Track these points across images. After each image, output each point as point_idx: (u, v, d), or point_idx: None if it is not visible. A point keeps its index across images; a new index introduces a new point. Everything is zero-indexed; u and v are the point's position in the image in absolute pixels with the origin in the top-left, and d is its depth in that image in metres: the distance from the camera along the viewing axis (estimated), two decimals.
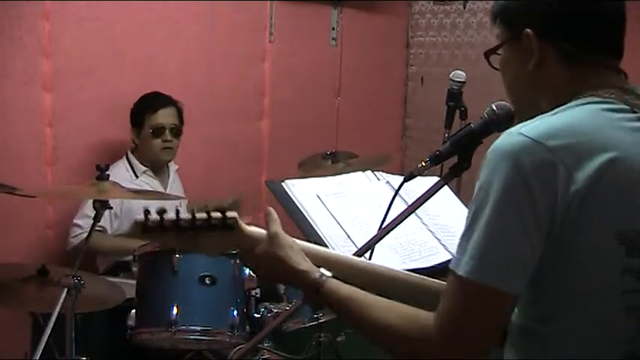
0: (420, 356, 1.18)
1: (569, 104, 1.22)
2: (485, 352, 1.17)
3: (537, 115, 1.30)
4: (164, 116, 3.26)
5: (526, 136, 1.13)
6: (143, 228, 1.23)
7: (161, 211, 1.23)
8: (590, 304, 1.14)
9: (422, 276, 1.43)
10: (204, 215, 1.25)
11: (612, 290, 1.14)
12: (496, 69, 1.36)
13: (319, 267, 1.34)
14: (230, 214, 1.27)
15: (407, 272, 1.45)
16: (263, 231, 1.35)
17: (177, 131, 3.30)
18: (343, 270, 1.38)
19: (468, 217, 1.17)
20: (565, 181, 1.10)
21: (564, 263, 1.13)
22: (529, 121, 1.19)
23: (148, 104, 3.27)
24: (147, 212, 1.23)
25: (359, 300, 1.27)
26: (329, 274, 1.31)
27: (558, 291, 1.15)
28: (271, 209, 1.38)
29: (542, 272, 1.14)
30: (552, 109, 1.25)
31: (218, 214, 1.26)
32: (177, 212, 1.24)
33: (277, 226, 1.35)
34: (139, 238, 1.34)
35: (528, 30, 1.26)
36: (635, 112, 1.20)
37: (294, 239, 1.37)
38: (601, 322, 1.15)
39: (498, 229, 1.12)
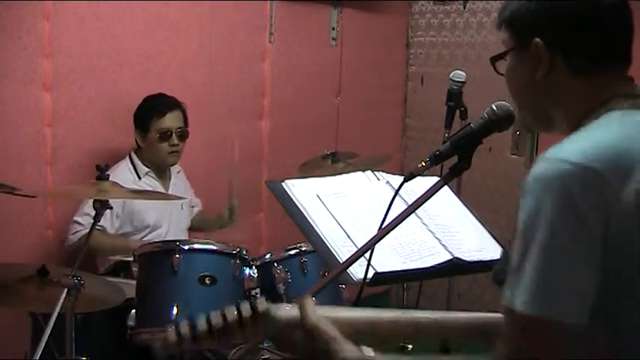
0: None
1: (594, 122, 1.20)
2: None
3: (545, 122, 1.31)
4: (171, 120, 3.23)
5: (568, 161, 1.10)
6: (177, 342, 1.22)
7: (192, 323, 1.22)
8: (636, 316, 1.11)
9: (460, 314, 1.38)
10: (234, 317, 1.23)
11: None
12: (501, 74, 1.34)
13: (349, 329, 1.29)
14: (261, 306, 1.23)
15: (435, 313, 1.38)
16: (297, 314, 1.26)
17: (183, 134, 3.27)
18: (373, 326, 1.35)
19: (516, 252, 1.12)
20: (615, 202, 1.08)
21: (614, 278, 1.10)
22: (560, 145, 1.15)
23: (155, 107, 3.22)
24: (177, 325, 1.22)
25: None
26: (372, 353, 1.27)
27: (607, 307, 1.11)
28: (307, 300, 1.26)
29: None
30: (566, 120, 1.25)
31: (248, 310, 1.23)
32: (209, 320, 1.22)
33: (315, 319, 1.24)
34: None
35: (538, 40, 1.25)
36: None
37: (325, 318, 1.25)
38: None
39: (555, 260, 1.08)
